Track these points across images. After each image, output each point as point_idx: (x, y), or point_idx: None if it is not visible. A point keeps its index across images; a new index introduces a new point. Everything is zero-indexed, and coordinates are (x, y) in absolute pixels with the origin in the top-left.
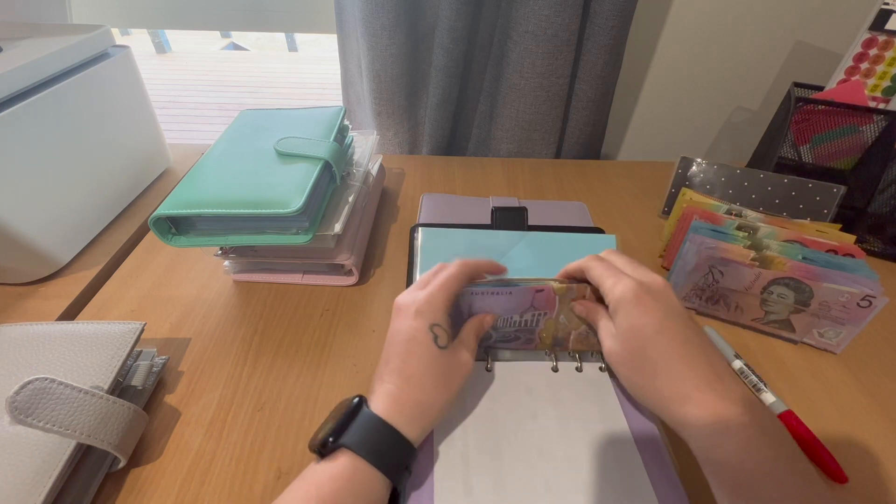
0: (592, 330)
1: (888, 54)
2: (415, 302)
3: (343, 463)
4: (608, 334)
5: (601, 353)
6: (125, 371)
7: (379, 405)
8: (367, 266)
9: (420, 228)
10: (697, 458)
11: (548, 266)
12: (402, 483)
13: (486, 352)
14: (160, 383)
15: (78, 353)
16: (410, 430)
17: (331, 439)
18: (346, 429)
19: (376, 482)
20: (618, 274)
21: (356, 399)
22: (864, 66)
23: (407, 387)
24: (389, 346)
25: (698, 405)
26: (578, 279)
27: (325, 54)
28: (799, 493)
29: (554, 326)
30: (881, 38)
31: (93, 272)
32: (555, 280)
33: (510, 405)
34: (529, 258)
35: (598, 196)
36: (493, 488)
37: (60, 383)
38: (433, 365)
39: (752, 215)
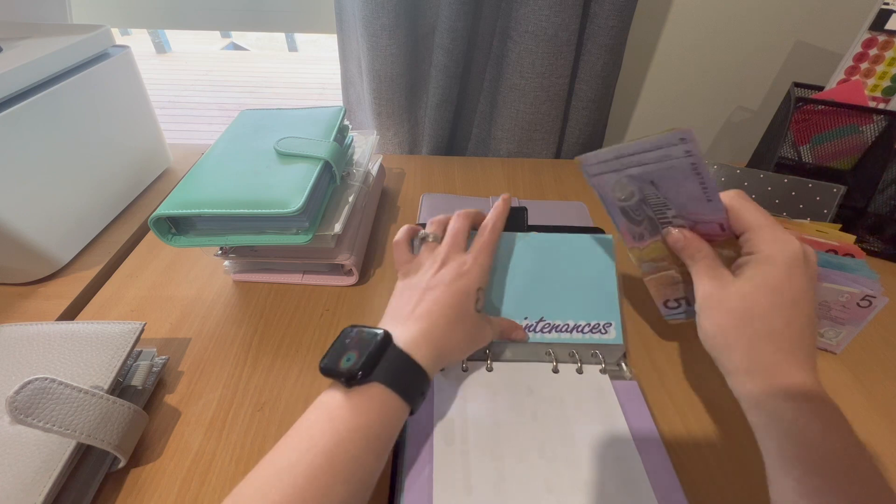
0: (682, 275)
1: (888, 54)
2: (465, 262)
3: (374, 395)
4: (718, 276)
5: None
6: (125, 371)
7: (409, 340)
8: (367, 266)
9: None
10: (766, 431)
11: (550, 268)
12: (417, 407)
13: (486, 352)
14: (160, 383)
15: (78, 353)
16: (430, 366)
17: (361, 372)
18: (377, 363)
19: (400, 409)
20: (776, 225)
21: (381, 332)
22: (864, 66)
23: (438, 331)
24: (427, 290)
25: (797, 382)
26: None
27: (325, 54)
28: (869, 478)
29: (661, 248)
30: (881, 38)
31: (93, 272)
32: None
33: (511, 405)
34: (531, 260)
35: (598, 196)
36: (493, 488)
37: (60, 383)
38: (467, 322)
39: None
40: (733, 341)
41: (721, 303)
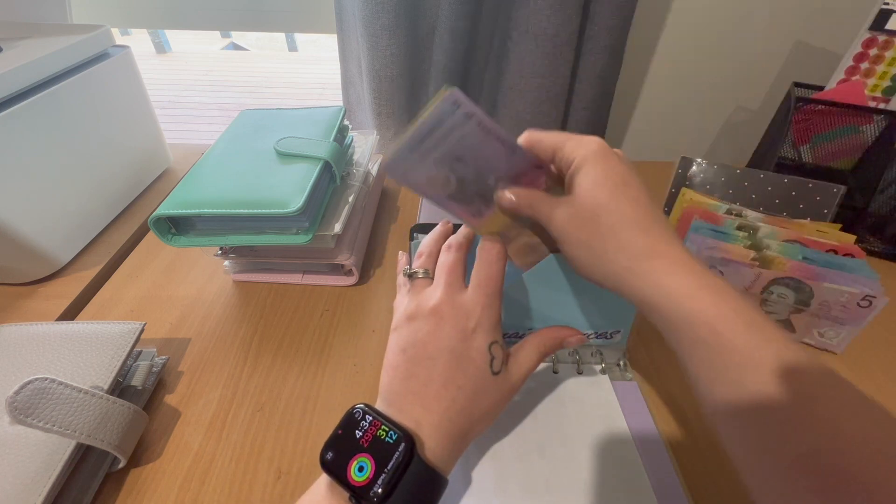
0: (534, 229)
1: (888, 54)
2: (470, 315)
3: None
4: (556, 204)
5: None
6: (125, 371)
7: (428, 443)
8: (367, 266)
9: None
10: (667, 322)
11: (570, 281)
12: None
13: None
14: (160, 383)
15: (78, 353)
16: (450, 464)
17: (381, 492)
18: (397, 483)
19: None
20: (573, 135)
21: (402, 442)
22: (864, 66)
23: (458, 419)
24: (430, 361)
25: (667, 257)
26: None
27: (325, 54)
28: (775, 336)
29: (501, 216)
30: (881, 38)
31: (93, 272)
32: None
33: (510, 405)
34: (553, 275)
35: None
36: (493, 488)
37: (60, 383)
38: (487, 393)
39: (752, 215)
40: (599, 245)
41: (570, 221)
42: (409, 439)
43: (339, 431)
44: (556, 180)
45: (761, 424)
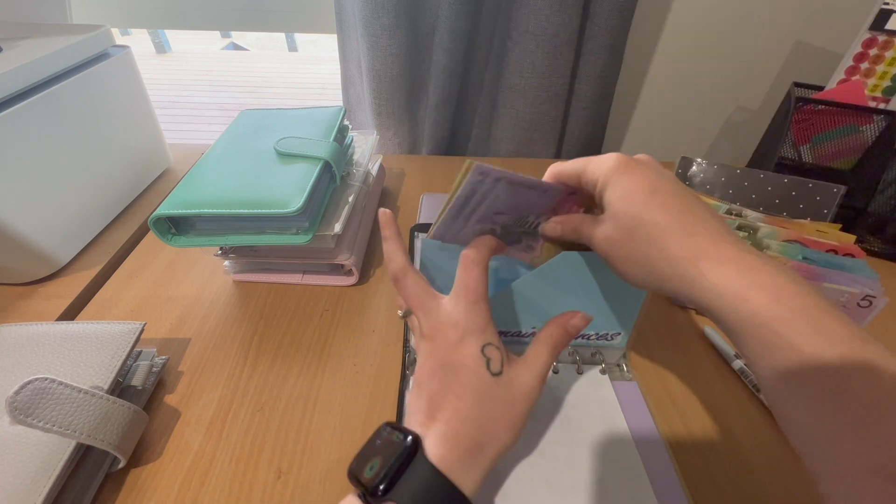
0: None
1: (888, 54)
2: (457, 325)
3: None
4: (595, 223)
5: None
6: (125, 371)
7: (434, 451)
8: (367, 266)
9: (420, 237)
10: (726, 326)
11: (577, 282)
12: None
13: None
14: (160, 383)
15: (78, 353)
16: (469, 479)
17: (382, 486)
18: (399, 475)
19: None
20: (592, 158)
21: (409, 438)
22: (864, 66)
23: (464, 427)
24: (432, 377)
25: (716, 258)
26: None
27: (325, 54)
28: (843, 337)
29: (550, 246)
30: (881, 38)
31: (93, 272)
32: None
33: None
34: (559, 275)
35: None
36: (492, 487)
37: (60, 383)
38: (491, 398)
39: (752, 215)
40: (643, 254)
41: (609, 239)
42: (414, 437)
43: (365, 444)
44: (592, 200)
45: (828, 435)
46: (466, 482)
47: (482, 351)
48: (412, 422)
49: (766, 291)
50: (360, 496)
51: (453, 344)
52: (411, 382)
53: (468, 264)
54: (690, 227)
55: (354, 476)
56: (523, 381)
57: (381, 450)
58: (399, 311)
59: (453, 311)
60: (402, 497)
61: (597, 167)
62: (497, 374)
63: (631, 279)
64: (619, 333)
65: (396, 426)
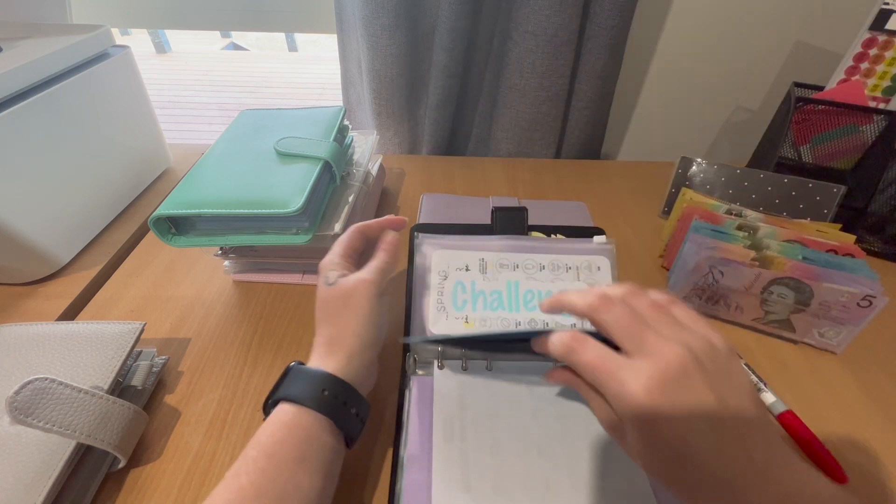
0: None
1: (888, 54)
2: (324, 264)
3: (280, 413)
4: (623, 435)
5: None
6: (125, 371)
7: (309, 360)
8: None
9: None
10: None
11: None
12: (340, 418)
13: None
14: (160, 383)
15: (78, 353)
16: (329, 364)
17: (269, 399)
18: (278, 387)
19: (314, 424)
20: (644, 328)
21: (292, 363)
22: (864, 66)
23: (319, 330)
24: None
25: (779, 483)
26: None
27: (325, 54)
28: None
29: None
30: (881, 38)
31: (93, 272)
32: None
33: (510, 403)
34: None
35: (598, 196)
36: (492, 486)
37: (60, 383)
38: (328, 301)
39: (752, 215)
40: (686, 477)
41: (639, 461)
42: (296, 361)
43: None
44: None
45: None
46: (332, 366)
47: (325, 278)
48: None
49: None
50: (269, 406)
51: (322, 272)
52: None
53: (350, 230)
54: (720, 488)
55: (268, 399)
56: (353, 281)
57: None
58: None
59: (327, 257)
60: (279, 393)
61: (619, 389)
62: (331, 284)
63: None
64: None
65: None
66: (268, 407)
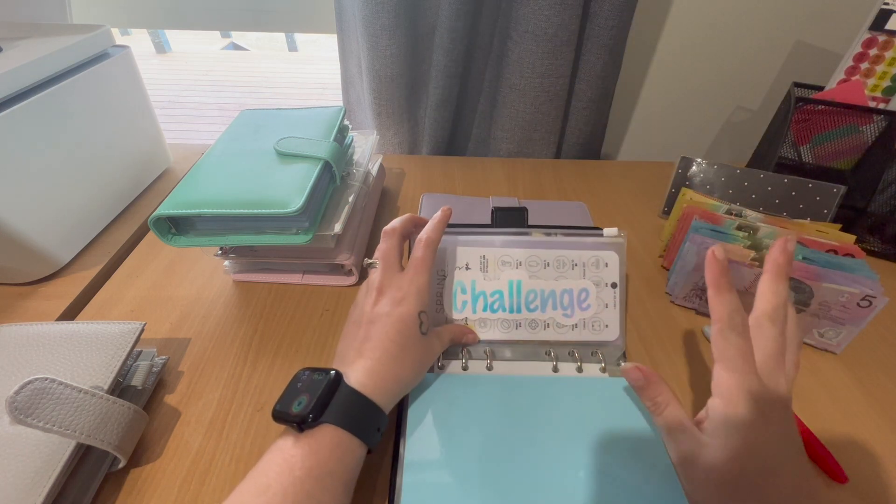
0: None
1: (888, 54)
2: (401, 288)
3: (326, 435)
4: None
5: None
6: (125, 371)
7: (359, 379)
8: None
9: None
10: None
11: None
12: (375, 443)
13: (486, 351)
14: (160, 383)
15: (78, 353)
16: (384, 401)
17: (311, 416)
18: (327, 404)
19: (355, 447)
20: (735, 374)
21: (332, 373)
22: (864, 66)
23: (390, 363)
24: (370, 325)
25: None
26: None
27: (325, 54)
28: None
29: None
30: (881, 38)
31: (93, 272)
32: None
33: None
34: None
35: (598, 196)
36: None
37: (60, 383)
38: (416, 348)
39: (752, 215)
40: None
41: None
42: (336, 373)
43: (286, 388)
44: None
45: None
46: (383, 402)
47: (418, 315)
48: (345, 359)
49: None
50: (294, 428)
51: (398, 301)
52: (348, 321)
53: (421, 245)
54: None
55: (283, 414)
56: (435, 346)
57: (305, 389)
58: (366, 260)
59: (403, 276)
60: (332, 416)
61: (718, 400)
62: (424, 335)
63: None
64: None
65: (315, 369)
66: (307, 421)
